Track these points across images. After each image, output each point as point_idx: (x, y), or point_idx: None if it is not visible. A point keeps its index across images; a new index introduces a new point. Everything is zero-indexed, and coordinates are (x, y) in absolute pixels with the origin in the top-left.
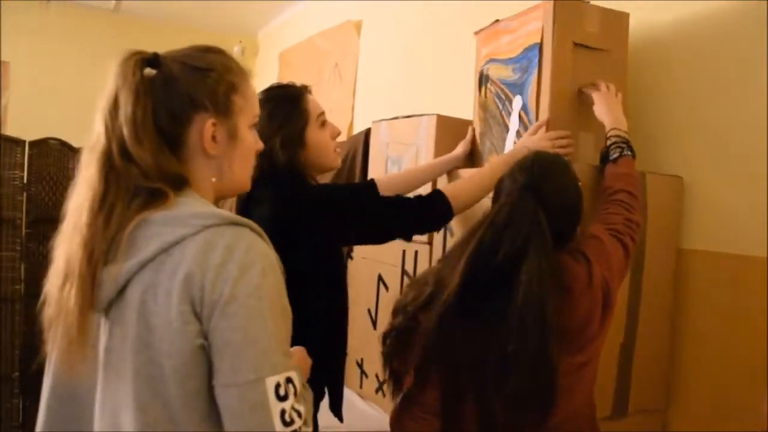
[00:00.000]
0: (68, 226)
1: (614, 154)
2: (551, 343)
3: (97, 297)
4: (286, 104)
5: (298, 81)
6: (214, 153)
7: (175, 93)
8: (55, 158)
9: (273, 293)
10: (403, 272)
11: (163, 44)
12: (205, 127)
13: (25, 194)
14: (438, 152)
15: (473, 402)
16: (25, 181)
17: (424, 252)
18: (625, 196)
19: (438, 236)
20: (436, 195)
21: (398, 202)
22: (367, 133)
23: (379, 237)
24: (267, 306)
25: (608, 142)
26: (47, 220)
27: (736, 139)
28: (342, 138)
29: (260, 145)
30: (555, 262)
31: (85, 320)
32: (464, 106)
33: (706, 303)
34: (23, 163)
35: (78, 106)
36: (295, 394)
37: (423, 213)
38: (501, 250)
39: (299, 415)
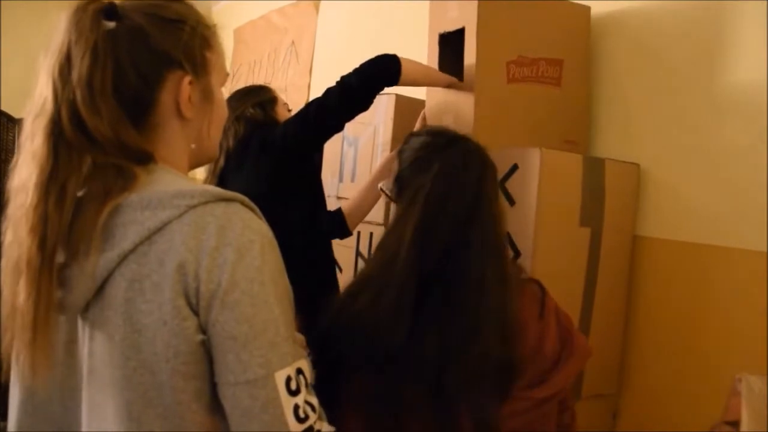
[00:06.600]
0: (14, 209)
1: None
2: (510, 296)
3: (70, 297)
4: None
5: (253, 58)
6: (190, 115)
7: (144, 49)
8: None
9: (275, 274)
10: (358, 254)
11: None
12: (181, 87)
13: None
14: (396, 132)
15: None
16: None
17: (378, 233)
18: None
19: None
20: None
21: (344, 91)
22: None
23: (345, 121)
24: (271, 290)
25: None
26: None
27: (692, 128)
28: None
29: None
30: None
31: (44, 318)
32: (422, 87)
33: (660, 290)
34: None
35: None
36: (306, 385)
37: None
38: (447, 213)
39: (313, 409)
